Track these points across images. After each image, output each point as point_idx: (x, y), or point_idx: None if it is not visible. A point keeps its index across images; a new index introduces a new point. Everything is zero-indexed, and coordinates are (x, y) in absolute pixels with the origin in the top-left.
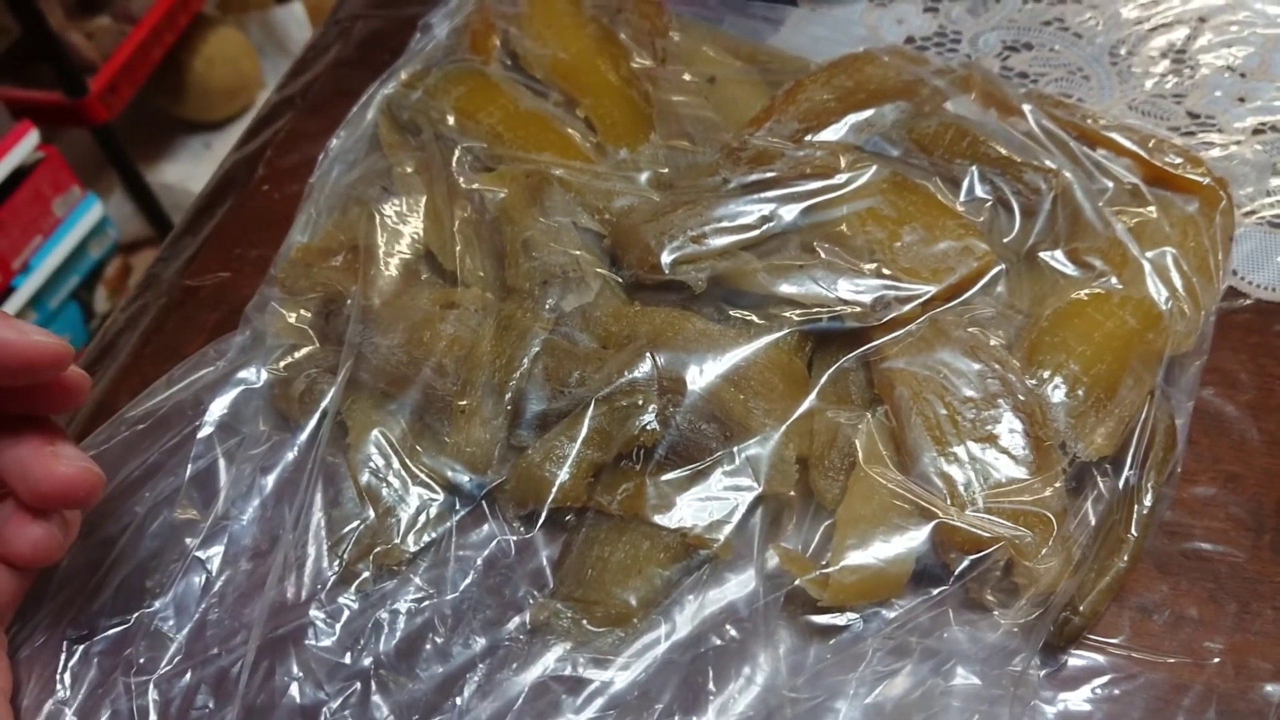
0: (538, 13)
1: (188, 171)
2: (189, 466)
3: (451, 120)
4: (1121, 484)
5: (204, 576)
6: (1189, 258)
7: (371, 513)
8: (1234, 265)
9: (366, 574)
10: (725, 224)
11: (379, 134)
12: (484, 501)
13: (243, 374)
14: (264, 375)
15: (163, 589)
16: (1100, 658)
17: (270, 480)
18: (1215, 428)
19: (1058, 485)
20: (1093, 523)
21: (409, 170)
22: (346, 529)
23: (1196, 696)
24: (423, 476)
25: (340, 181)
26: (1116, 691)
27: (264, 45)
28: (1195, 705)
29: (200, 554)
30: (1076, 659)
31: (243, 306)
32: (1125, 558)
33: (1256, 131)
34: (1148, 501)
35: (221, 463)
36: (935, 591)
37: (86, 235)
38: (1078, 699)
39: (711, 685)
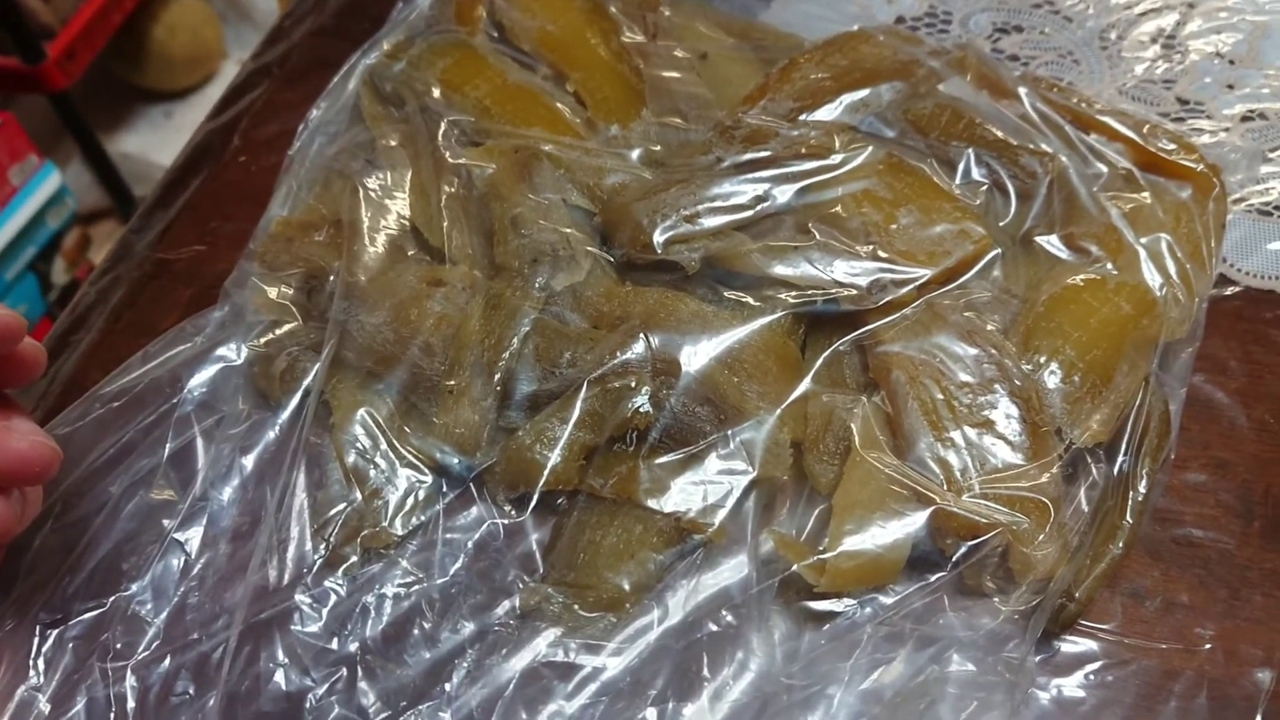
0: None
1: (148, 141)
2: (166, 445)
3: (437, 93)
4: (1116, 470)
5: (182, 559)
6: (1182, 244)
7: (358, 495)
8: (1224, 253)
9: (354, 558)
10: (719, 203)
11: (361, 105)
12: (473, 484)
13: (222, 350)
14: (244, 352)
15: (140, 572)
16: (1093, 644)
17: (250, 460)
18: (1205, 414)
19: (1054, 471)
20: (1087, 509)
21: (393, 143)
22: (332, 511)
23: (1188, 682)
24: (410, 458)
25: (321, 154)
26: (1109, 677)
27: (226, 13)
28: (1186, 691)
29: (178, 536)
30: (1069, 645)
31: (219, 281)
32: (1120, 544)
33: (1245, 119)
34: (1142, 488)
35: (200, 442)
36: (932, 578)
37: (44, 205)
38: (1071, 684)
39: (705, 671)
